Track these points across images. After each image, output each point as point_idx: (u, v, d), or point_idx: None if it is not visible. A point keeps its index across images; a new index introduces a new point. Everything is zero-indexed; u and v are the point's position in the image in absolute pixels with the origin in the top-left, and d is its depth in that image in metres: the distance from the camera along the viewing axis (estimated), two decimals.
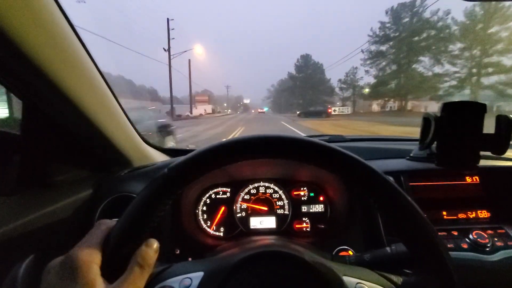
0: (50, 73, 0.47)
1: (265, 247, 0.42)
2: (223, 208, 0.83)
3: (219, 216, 0.83)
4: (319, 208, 0.84)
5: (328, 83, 58.79)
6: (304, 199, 0.85)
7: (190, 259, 0.63)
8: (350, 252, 0.68)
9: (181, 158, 0.37)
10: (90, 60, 0.58)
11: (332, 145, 0.38)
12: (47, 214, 0.56)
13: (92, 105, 0.58)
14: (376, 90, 34.08)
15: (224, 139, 0.39)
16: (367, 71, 37.09)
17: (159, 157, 0.94)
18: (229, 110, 78.57)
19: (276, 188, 0.85)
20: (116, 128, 0.69)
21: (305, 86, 58.49)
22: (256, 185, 0.85)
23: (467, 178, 0.77)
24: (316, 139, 0.38)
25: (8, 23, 0.38)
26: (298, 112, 24.89)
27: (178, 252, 0.70)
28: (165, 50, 22.53)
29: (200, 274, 0.39)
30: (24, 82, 0.48)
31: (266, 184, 0.85)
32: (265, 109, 78.36)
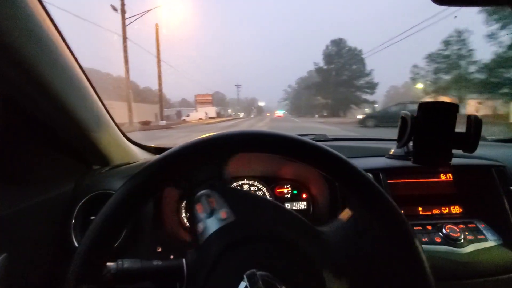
0: (27, 63, 0.45)
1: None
2: None
3: None
4: (302, 205, 0.86)
5: (369, 76, 39.00)
6: (287, 197, 0.86)
7: (172, 257, 0.63)
8: None
9: (154, 159, 0.37)
10: (69, 52, 0.56)
11: (317, 143, 0.40)
12: (21, 212, 0.54)
13: (71, 100, 0.56)
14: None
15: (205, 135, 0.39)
16: None
17: (142, 155, 0.93)
18: (242, 114, 68.35)
19: (260, 186, 0.85)
20: (97, 125, 0.67)
21: (337, 80, 40.96)
22: (240, 182, 0.85)
23: (441, 175, 0.81)
24: (301, 137, 0.40)
25: None
26: (362, 117, 15.07)
27: (159, 250, 0.69)
28: (114, 9, 12.49)
29: None
30: (2, 74, 0.46)
31: (250, 182, 0.85)
32: (281, 112, 67.15)
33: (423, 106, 0.59)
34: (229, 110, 68.21)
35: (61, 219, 0.62)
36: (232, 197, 0.44)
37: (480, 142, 1.12)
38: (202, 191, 0.43)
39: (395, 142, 0.69)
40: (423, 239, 0.67)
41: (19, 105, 0.54)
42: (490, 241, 0.69)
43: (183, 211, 0.82)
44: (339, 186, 0.74)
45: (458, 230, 0.69)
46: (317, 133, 1.16)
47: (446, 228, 0.69)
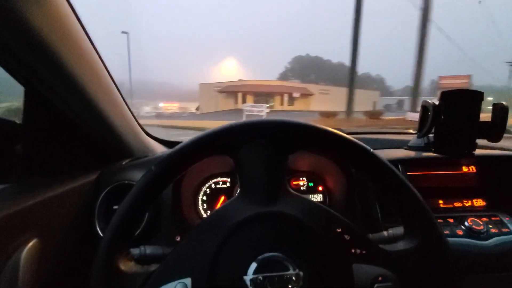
0: (54, 59, 0.47)
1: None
2: (222, 198, 0.84)
3: (218, 205, 0.84)
4: (318, 197, 0.85)
5: None
6: (303, 189, 0.86)
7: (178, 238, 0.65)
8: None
9: (166, 153, 0.39)
10: (94, 51, 0.58)
11: (342, 133, 0.40)
12: (48, 201, 0.57)
13: (96, 95, 0.59)
14: None
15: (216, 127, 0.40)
16: None
17: (160, 148, 0.95)
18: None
19: None
20: (119, 119, 0.70)
21: None
22: None
23: (463, 167, 0.78)
24: (328, 128, 0.40)
25: (12, 7, 0.38)
26: None
27: (178, 239, 0.71)
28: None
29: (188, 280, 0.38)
30: (27, 67, 0.48)
31: None
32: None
33: (445, 94, 0.58)
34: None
35: (86, 208, 0.65)
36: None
37: (505, 135, 1.09)
38: None
39: (413, 134, 0.68)
40: (444, 232, 0.66)
41: (50, 103, 0.56)
42: None
43: (200, 202, 0.83)
44: (356, 179, 0.73)
45: (481, 223, 0.67)
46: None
47: (469, 220, 0.67)
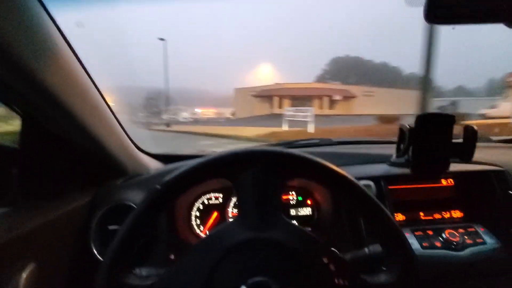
0: (47, 88, 0.49)
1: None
2: (215, 214, 0.87)
3: (211, 221, 0.86)
4: (306, 211, 0.89)
5: None
6: (292, 203, 0.89)
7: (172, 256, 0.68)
8: None
9: (173, 174, 0.42)
10: (83, 71, 0.60)
11: (315, 156, 0.43)
12: (44, 225, 0.59)
13: (87, 117, 0.61)
14: None
15: (216, 152, 0.44)
16: None
17: (152, 163, 0.97)
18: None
19: None
20: (110, 137, 0.71)
21: None
22: None
23: (442, 180, 0.83)
24: (297, 152, 0.44)
25: (7, 41, 0.40)
26: None
27: (173, 257, 0.73)
28: None
29: None
30: (23, 97, 0.50)
31: None
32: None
33: (420, 117, 0.62)
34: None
35: (81, 231, 0.66)
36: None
37: (484, 144, 1.14)
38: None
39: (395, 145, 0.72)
40: (423, 244, 0.70)
41: (38, 124, 0.58)
42: (488, 245, 0.71)
43: (193, 217, 0.86)
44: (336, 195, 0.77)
45: (457, 234, 0.72)
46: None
47: (446, 232, 0.72)
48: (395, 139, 1.11)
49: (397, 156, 0.74)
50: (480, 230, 0.75)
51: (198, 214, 0.86)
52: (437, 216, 0.81)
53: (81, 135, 0.62)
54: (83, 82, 0.60)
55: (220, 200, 0.88)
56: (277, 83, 30.60)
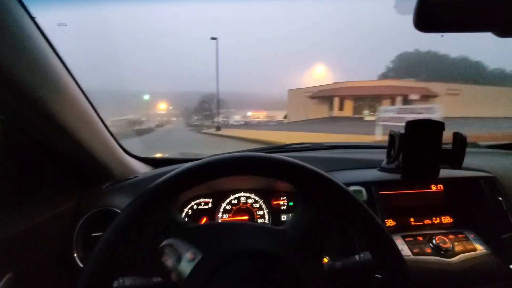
0: (29, 93, 0.47)
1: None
2: (205, 219, 0.85)
3: None
4: None
5: None
6: (283, 208, 0.88)
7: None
8: (326, 260, 0.73)
9: (158, 181, 0.40)
10: (68, 74, 0.58)
11: (300, 162, 0.42)
12: (25, 231, 0.56)
13: (70, 119, 0.59)
14: None
15: (204, 158, 0.42)
16: None
17: (141, 168, 0.95)
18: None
19: (257, 198, 0.88)
20: (96, 140, 0.69)
21: None
22: (237, 195, 0.87)
23: (432, 186, 0.84)
24: (279, 156, 0.42)
25: None
26: None
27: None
28: None
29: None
30: (3, 101, 0.48)
31: (247, 194, 0.88)
32: None
33: (410, 124, 0.62)
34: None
35: (63, 237, 0.64)
36: (191, 236, 0.44)
37: (473, 150, 1.15)
38: (162, 243, 0.43)
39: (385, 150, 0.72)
40: (414, 250, 0.70)
41: (20, 128, 0.56)
42: (479, 251, 0.71)
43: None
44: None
45: (447, 240, 0.72)
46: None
47: (436, 239, 0.72)
48: (385, 143, 1.13)
49: (388, 162, 0.74)
50: (470, 236, 0.75)
51: (187, 219, 0.85)
52: (427, 221, 0.81)
53: (65, 140, 0.60)
54: (67, 87, 0.58)
55: (210, 205, 0.86)
56: (336, 83, 27.45)
